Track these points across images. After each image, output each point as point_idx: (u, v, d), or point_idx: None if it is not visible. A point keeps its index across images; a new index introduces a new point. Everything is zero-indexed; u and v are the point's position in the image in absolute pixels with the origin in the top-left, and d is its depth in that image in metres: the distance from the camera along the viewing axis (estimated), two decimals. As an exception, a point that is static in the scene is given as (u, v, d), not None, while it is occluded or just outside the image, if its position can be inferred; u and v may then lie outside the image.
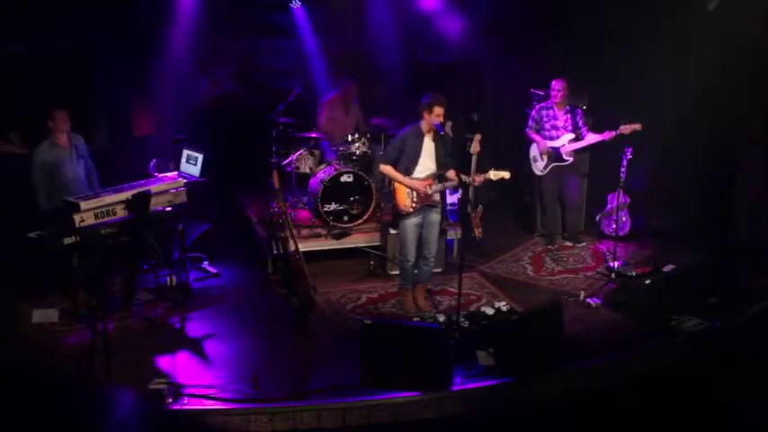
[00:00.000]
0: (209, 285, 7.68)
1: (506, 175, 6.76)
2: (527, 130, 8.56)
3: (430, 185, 6.77)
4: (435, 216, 6.91)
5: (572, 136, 8.29)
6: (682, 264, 7.54)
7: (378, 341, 5.74)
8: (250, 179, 9.30)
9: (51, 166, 6.80)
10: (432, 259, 7.05)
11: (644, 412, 5.37)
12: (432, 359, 5.73)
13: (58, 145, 6.84)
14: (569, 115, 8.35)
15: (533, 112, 8.52)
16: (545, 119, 8.39)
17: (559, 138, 8.34)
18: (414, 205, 6.76)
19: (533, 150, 8.55)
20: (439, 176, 6.82)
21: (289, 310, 6.91)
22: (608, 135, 8.03)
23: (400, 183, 6.75)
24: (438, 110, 6.56)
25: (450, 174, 6.79)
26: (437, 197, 6.86)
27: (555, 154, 8.36)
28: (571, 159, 8.34)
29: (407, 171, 6.76)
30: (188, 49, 9.42)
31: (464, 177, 6.74)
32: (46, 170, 6.78)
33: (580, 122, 8.32)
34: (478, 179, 6.80)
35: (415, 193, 6.76)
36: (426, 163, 6.77)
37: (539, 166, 8.53)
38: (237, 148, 9.51)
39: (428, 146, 6.76)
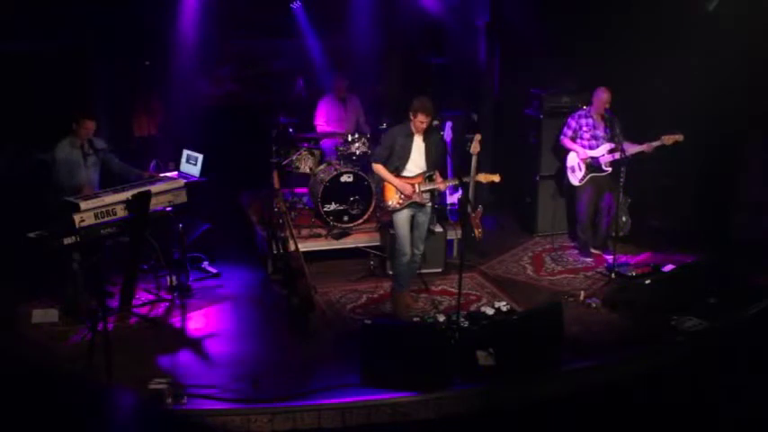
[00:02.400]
0: (209, 285, 7.68)
1: (496, 178, 6.80)
2: (562, 137, 8.27)
3: (419, 184, 6.80)
4: (423, 216, 6.94)
5: (611, 146, 7.99)
6: (682, 264, 7.54)
7: (378, 341, 5.75)
8: (250, 179, 9.30)
9: (68, 164, 6.83)
10: (419, 255, 7.07)
11: (644, 412, 5.37)
12: (432, 359, 5.73)
13: (77, 147, 6.87)
14: (607, 124, 8.03)
15: (572, 120, 8.20)
16: (584, 128, 8.10)
17: (599, 148, 8.07)
18: (400, 201, 6.81)
19: (570, 160, 8.27)
20: (429, 176, 6.85)
21: (289, 311, 6.92)
22: (647, 146, 7.76)
23: (389, 182, 6.80)
24: (421, 116, 6.59)
25: (438, 178, 6.84)
26: (426, 196, 6.87)
27: (594, 165, 8.09)
28: (610, 170, 8.07)
29: (397, 170, 6.81)
30: (188, 48, 9.43)
31: (464, 178, 6.80)
32: (65, 168, 6.81)
33: (617, 130, 7.94)
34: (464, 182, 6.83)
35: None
36: (416, 161, 6.81)
37: (577, 177, 8.24)
38: (237, 148, 9.51)
39: (418, 145, 6.79)
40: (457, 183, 7.10)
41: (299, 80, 9.08)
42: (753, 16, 7.54)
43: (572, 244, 8.68)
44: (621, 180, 7.92)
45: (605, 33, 8.38)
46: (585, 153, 8.10)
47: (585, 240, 8.41)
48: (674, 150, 7.82)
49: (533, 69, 9.26)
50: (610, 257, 8.01)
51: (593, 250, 8.40)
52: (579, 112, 8.22)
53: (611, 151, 7.98)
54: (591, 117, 8.12)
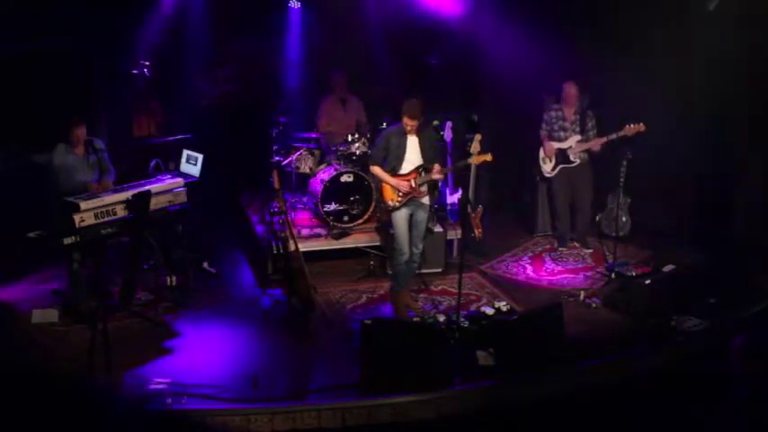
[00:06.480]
0: (209, 285, 7.68)
1: (488, 157, 6.83)
2: (540, 132, 8.56)
3: (415, 179, 6.81)
4: (422, 215, 6.97)
5: (579, 138, 8.27)
6: (682, 264, 7.53)
7: (378, 341, 5.75)
8: (250, 179, 9.30)
9: (66, 169, 6.84)
10: (418, 255, 7.07)
11: (643, 412, 5.37)
12: (432, 359, 5.73)
13: (73, 152, 6.88)
14: (578, 116, 8.32)
15: (545, 115, 8.52)
16: (554, 120, 8.40)
17: (567, 140, 8.33)
18: (399, 200, 6.83)
19: (541, 152, 8.55)
20: (424, 169, 6.86)
21: (289, 311, 6.92)
22: (612, 137, 8.00)
23: (387, 183, 6.85)
24: (406, 119, 6.66)
25: (435, 167, 6.84)
26: (424, 189, 6.88)
27: (562, 156, 8.36)
28: (578, 161, 8.32)
29: (394, 169, 6.85)
30: (188, 49, 9.43)
31: (458, 163, 6.99)
32: (63, 172, 6.80)
33: (589, 125, 8.27)
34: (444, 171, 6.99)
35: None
36: (412, 159, 6.86)
37: (546, 169, 8.53)
38: (238, 148, 9.51)
39: (412, 143, 6.84)
40: (452, 169, 7.19)
41: (298, 80, 9.08)
42: (753, 16, 7.53)
43: (577, 245, 8.67)
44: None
45: (606, 33, 8.38)
46: (551, 146, 8.40)
47: (563, 232, 8.63)
48: (674, 151, 7.83)
49: (532, 70, 9.24)
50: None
51: (575, 244, 8.61)
52: (551, 107, 8.54)
53: (579, 142, 8.23)
54: (561, 111, 8.39)
